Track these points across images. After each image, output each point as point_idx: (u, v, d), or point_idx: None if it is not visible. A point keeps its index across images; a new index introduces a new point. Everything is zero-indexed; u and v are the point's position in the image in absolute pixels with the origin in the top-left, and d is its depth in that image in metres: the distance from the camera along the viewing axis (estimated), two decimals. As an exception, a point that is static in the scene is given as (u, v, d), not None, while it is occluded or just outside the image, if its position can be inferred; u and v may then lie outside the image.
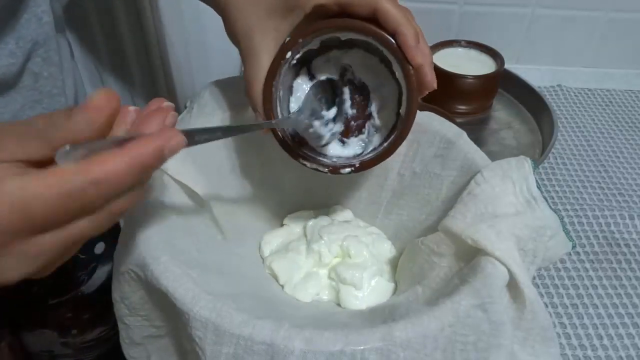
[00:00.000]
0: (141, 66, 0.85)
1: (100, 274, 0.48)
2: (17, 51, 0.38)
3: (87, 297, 0.46)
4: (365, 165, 0.38)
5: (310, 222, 0.45)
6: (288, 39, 0.35)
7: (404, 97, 0.36)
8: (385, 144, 0.38)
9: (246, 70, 0.37)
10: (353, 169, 0.38)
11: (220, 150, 0.43)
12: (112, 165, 0.22)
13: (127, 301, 0.33)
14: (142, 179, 0.24)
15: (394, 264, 0.44)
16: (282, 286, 0.41)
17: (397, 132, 0.37)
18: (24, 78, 0.41)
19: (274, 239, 0.46)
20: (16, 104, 0.41)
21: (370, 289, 0.41)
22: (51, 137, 0.23)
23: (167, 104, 0.25)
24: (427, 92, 0.36)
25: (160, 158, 0.23)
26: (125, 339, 0.34)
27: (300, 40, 0.35)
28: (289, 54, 0.35)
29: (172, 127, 0.25)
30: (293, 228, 0.47)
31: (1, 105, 0.40)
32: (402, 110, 0.37)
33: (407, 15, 0.34)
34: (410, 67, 0.34)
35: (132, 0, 0.77)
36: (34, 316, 0.46)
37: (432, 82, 0.35)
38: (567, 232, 0.35)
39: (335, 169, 0.38)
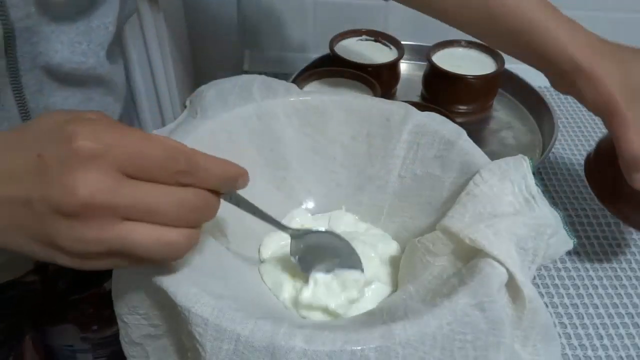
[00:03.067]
0: (141, 65, 0.85)
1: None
2: (88, 52, 0.42)
3: (108, 294, 0.47)
4: None
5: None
6: None
7: None
8: None
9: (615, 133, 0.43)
10: None
11: (222, 153, 0.43)
12: (210, 159, 0.27)
13: (127, 299, 0.33)
14: (221, 187, 0.28)
15: (398, 264, 0.44)
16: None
17: None
18: (89, 79, 0.44)
19: (271, 243, 0.46)
20: (75, 99, 0.44)
21: (367, 298, 0.40)
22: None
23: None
24: None
25: (234, 182, 0.29)
26: (124, 337, 0.34)
27: None
28: None
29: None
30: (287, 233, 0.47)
31: (64, 97, 0.43)
32: None
33: None
34: None
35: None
36: (57, 311, 0.47)
37: None
38: (567, 230, 0.35)
39: None
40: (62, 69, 0.40)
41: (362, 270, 0.40)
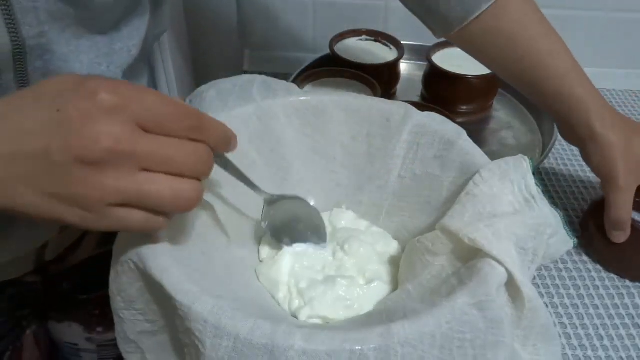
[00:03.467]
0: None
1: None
2: (107, 73, 0.42)
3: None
4: None
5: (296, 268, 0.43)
6: None
7: None
8: None
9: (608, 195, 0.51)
10: None
11: (222, 154, 0.43)
12: (214, 121, 0.29)
13: (124, 294, 0.33)
14: (221, 145, 0.30)
15: (398, 263, 0.44)
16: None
17: None
18: None
19: (270, 243, 0.46)
20: None
21: (367, 297, 0.40)
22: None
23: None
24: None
25: (228, 141, 0.31)
26: (120, 333, 0.34)
27: None
28: None
29: None
30: None
31: None
32: None
33: None
34: None
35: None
36: (63, 309, 0.48)
37: None
38: (567, 230, 0.35)
39: None
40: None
41: (325, 239, 0.43)
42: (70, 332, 0.48)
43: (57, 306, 0.48)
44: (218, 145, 0.30)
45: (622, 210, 0.50)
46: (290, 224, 0.42)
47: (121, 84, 0.26)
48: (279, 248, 0.43)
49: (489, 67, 0.55)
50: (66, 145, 0.24)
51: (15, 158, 0.25)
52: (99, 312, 0.46)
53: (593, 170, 0.52)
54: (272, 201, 0.41)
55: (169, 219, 0.29)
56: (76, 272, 0.49)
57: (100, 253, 0.50)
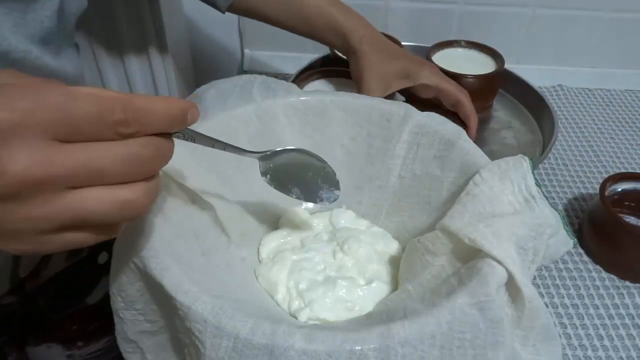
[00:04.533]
0: (141, 65, 0.85)
1: (104, 284, 0.48)
2: (29, 42, 0.39)
3: (92, 309, 0.46)
4: None
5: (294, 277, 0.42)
6: None
7: None
8: None
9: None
10: None
11: (223, 154, 0.43)
12: (151, 101, 0.24)
13: (124, 293, 0.33)
14: (168, 128, 0.25)
15: (398, 263, 0.44)
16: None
17: None
18: (38, 69, 0.41)
19: (271, 242, 0.46)
20: None
21: (366, 297, 0.40)
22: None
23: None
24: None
25: (183, 118, 0.26)
26: (120, 333, 0.34)
27: None
28: None
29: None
30: (286, 231, 0.47)
31: None
32: None
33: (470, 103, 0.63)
34: None
35: (132, 4, 0.78)
36: (39, 331, 0.46)
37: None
38: (567, 230, 0.35)
39: None
40: (9, 57, 0.38)
41: (338, 187, 0.40)
42: (50, 354, 0.47)
43: (34, 328, 0.47)
44: (167, 128, 0.25)
45: (372, 86, 0.60)
46: (296, 173, 0.39)
47: (15, 93, 0.21)
48: (289, 202, 0.42)
49: (271, 23, 0.65)
50: None
51: None
52: (78, 327, 0.45)
53: (353, 79, 0.63)
54: (268, 157, 0.38)
55: (121, 227, 0.26)
56: (50, 287, 0.47)
57: (71, 265, 0.49)
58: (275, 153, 0.38)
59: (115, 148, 0.23)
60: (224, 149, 0.34)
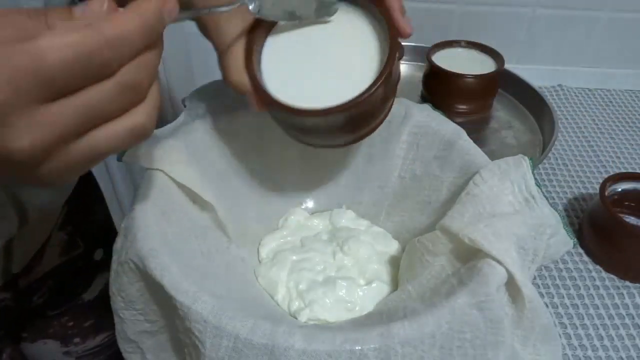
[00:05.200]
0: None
1: (100, 281, 0.48)
2: None
3: (87, 305, 0.45)
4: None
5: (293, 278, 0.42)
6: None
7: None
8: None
9: (222, 56, 0.37)
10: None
11: (223, 154, 0.43)
12: (123, 24, 0.22)
13: (124, 293, 0.33)
14: (150, 42, 0.24)
15: (398, 264, 0.44)
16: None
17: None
18: None
19: (271, 242, 0.46)
20: None
21: (366, 297, 0.40)
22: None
23: None
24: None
25: (161, 20, 0.24)
26: (120, 333, 0.34)
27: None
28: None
29: None
30: (286, 231, 0.47)
31: None
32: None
33: None
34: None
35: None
36: (35, 327, 0.46)
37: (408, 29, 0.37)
38: (567, 230, 0.35)
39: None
40: None
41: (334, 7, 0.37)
42: (47, 350, 0.46)
43: (30, 324, 0.46)
44: (149, 41, 0.24)
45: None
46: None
47: None
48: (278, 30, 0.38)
49: None
50: None
51: None
52: (74, 323, 0.45)
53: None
54: None
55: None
56: (44, 284, 0.47)
57: (65, 261, 0.48)
58: None
59: (105, 87, 0.22)
60: (209, 11, 0.33)
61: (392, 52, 0.36)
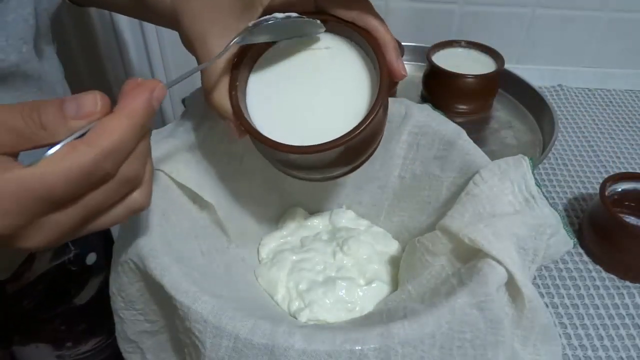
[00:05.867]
0: (142, 68, 0.85)
1: (93, 285, 0.47)
2: (8, 48, 0.38)
3: (80, 309, 0.45)
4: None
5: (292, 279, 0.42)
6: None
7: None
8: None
9: (204, 76, 0.36)
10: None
11: (223, 154, 0.43)
12: (117, 132, 0.23)
13: (124, 293, 0.33)
14: (141, 136, 0.25)
15: (398, 264, 0.44)
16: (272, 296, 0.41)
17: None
18: (15, 78, 0.41)
19: (270, 242, 0.46)
20: (5, 102, 0.41)
21: (366, 297, 0.40)
22: (40, 138, 0.23)
23: (149, 80, 0.26)
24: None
25: (150, 112, 0.25)
26: (120, 332, 0.34)
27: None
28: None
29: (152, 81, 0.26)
30: (285, 231, 0.47)
31: None
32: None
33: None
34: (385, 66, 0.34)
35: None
36: (27, 330, 0.46)
37: (400, 69, 0.35)
38: (567, 230, 0.35)
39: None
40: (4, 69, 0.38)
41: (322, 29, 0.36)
42: (39, 354, 0.46)
43: (20, 328, 0.46)
44: (140, 138, 0.25)
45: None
46: (275, 24, 0.34)
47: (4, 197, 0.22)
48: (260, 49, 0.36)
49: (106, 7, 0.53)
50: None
51: None
52: (66, 327, 0.45)
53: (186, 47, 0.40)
54: (251, 32, 0.33)
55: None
56: (35, 289, 0.47)
57: (56, 266, 0.48)
58: (259, 24, 0.34)
59: (107, 188, 0.24)
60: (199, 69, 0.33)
61: (382, 89, 0.34)
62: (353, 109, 0.35)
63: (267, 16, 0.33)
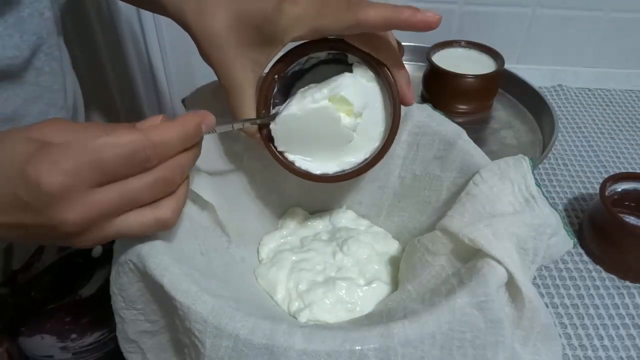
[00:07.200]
0: (142, 68, 0.85)
1: (98, 277, 0.48)
2: (22, 44, 0.39)
3: (85, 301, 0.46)
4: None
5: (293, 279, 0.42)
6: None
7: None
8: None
9: (231, 101, 0.38)
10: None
11: (223, 154, 0.43)
12: (167, 132, 0.28)
13: (124, 293, 0.33)
14: (186, 146, 0.29)
15: (398, 264, 0.44)
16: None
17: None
18: (28, 72, 0.42)
19: (270, 242, 0.46)
20: (18, 99, 0.42)
21: (366, 297, 0.40)
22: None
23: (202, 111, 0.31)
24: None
25: (199, 131, 0.30)
26: (120, 332, 0.34)
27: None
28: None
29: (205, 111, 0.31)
30: (285, 231, 0.47)
31: (3, 98, 0.41)
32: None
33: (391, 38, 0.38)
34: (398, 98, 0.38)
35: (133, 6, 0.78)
36: (33, 322, 0.47)
37: (411, 99, 0.39)
38: (567, 230, 0.35)
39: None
40: (11, 72, 0.39)
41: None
42: (44, 345, 0.47)
43: (28, 319, 0.47)
44: (186, 145, 0.29)
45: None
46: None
47: (58, 154, 0.26)
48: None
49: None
50: (43, 228, 0.27)
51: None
52: (71, 319, 0.46)
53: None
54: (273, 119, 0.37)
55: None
56: (43, 279, 0.48)
57: (62, 257, 0.49)
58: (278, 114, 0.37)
59: (144, 179, 0.28)
60: (243, 126, 0.36)
61: (395, 120, 0.38)
62: (368, 133, 0.39)
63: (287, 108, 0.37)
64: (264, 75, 0.38)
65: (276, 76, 0.38)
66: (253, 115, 0.38)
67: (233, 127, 0.35)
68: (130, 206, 0.28)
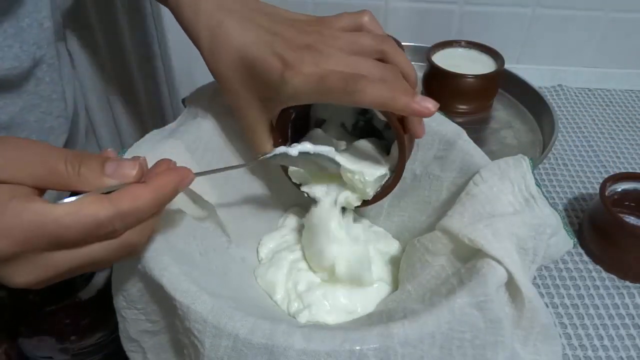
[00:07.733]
0: (142, 68, 0.85)
1: (98, 279, 0.48)
2: (22, 55, 0.39)
3: (85, 303, 0.46)
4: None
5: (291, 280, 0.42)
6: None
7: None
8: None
9: (248, 136, 0.40)
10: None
11: (223, 154, 0.43)
12: (140, 200, 0.25)
13: (125, 293, 0.33)
14: (157, 212, 0.27)
15: (399, 264, 0.44)
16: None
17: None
18: (28, 82, 0.42)
19: (270, 242, 0.46)
20: (15, 107, 0.42)
21: (366, 297, 0.40)
22: (73, 183, 0.25)
23: (181, 167, 0.29)
24: None
25: (175, 194, 0.28)
26: (122, 331, 0.34)
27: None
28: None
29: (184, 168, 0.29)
30: (285, 231, 0.47)
31: (0, 106, 0.41)
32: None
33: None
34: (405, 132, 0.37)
35: (134, 7, 0.78)
36: (32, 323, 0.47)
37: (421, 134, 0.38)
38: (567, 230, 0.35)
39: None
40: (10, 80, 0.39)
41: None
42: (43, 346, 0.47)
43: (27, 321, 0.47)
44: (160, 210, 0.27)
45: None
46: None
47: (12, 218, 0.23)
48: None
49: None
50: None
51: None
52: (70, 321, 0.46)
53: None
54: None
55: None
56: None
57: None
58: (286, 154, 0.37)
59: (110, 244, 0.26)
60: (227, 170, 0.36)
61: (402, 160, 0.38)
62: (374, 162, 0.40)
63: (282, 150, 0.37)
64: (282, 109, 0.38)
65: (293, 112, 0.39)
66: (270, 147, 0.39)
67: (219, 171, 0.35)
68: (92, 265, 0.26)
